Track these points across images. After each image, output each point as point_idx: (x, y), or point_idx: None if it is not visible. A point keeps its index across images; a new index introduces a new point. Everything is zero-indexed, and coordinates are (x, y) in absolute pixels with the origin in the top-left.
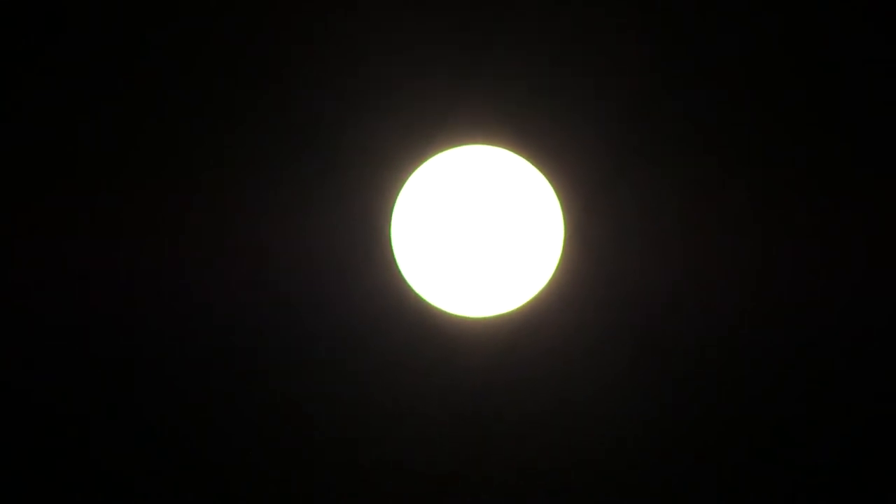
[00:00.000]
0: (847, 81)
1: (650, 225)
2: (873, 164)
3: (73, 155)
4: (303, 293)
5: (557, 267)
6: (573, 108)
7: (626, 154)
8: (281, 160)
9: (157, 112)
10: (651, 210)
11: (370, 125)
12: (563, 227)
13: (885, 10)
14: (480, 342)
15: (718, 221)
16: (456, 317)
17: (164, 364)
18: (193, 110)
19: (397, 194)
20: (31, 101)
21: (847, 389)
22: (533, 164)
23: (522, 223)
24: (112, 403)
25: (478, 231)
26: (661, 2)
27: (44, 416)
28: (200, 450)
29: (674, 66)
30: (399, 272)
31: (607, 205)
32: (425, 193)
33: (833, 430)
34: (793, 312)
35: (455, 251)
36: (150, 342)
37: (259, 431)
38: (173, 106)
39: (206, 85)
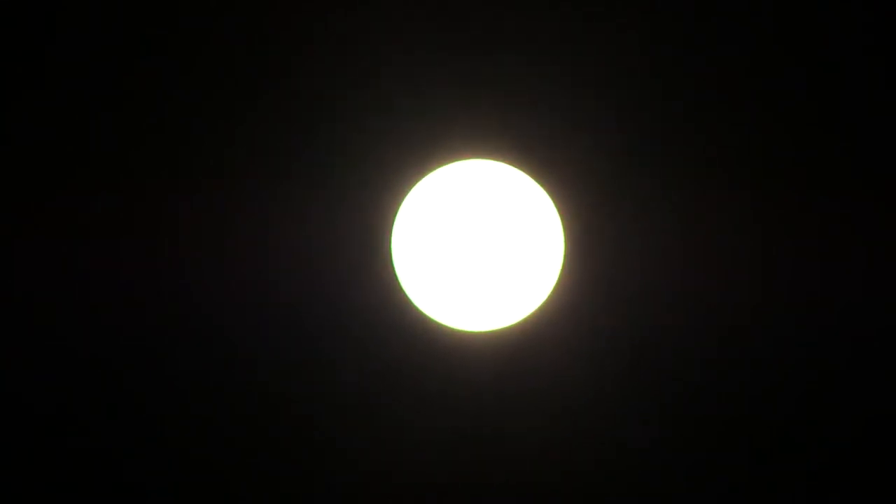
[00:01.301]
0: (847, 81)
1: (651, 238)
2: (873, 164)
3: (73, 155)
4: (303, 307)
5: (558, 281)
6: (573, 123)
7: (626, 168)
8: (281, 175)
9: (157, 112)
10: (651, 223)
11: (371, 139)
12: (563, 241)
13: (885, 10)
14: (481, 356)
15: (719, 234)
16: (456, 331)
17: (163, 364)
18: (193, 111)
19: (398, 208)
20: (31, 101)
21: (847, 389)
22: (533, 178)
23: (523, 237)
24: (112, 403)
25: (478, 245)
26: (660, 14)
27: (44, 416)
28: (200, 450)
29: (674, 80)
30: (399, 286)
31: (608, 218)
32: (426, 208)
33: (833, 430)
34: (793, 313)
35: (456, 265)
36: (149, 342)
37: (258, 435)
38: (173, 106)
39: (206, 85)
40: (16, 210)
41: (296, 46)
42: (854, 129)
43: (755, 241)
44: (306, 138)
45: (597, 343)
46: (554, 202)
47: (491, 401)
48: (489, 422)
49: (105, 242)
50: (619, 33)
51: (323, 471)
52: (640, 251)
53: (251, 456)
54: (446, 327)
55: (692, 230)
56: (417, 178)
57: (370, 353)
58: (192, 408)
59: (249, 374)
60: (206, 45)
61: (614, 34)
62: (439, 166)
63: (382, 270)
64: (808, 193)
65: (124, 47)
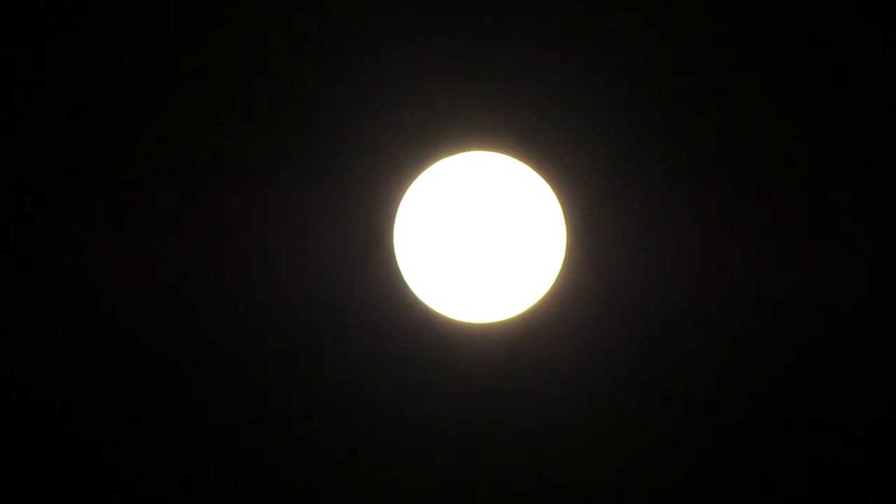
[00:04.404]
0: (847, 81)
1: (652, 231)
2: (874, 163)
3: (73, 155)
4: (305, 300)
5: (560, 273)
6: (576, 115)
7: (628, 161)
8: (282, 167)
9: (156, 112)
10: (653, 216)
11: (373, 131)
12: (565, 234)
13: (885, 10)
14: (483, 348)
15: (721, 226)
16: (458, 322)
17: (163, 364)
18: (194, 113)
19: (400, 200)
20: (32, 101)
21: (848, 389)
22: (536, 170)
23: (525, 229)
24: (112, 404)
25: (481, 237)
26: (662, 8)
27: (44, 414)
28: (200, 450)
29: (676, 72)
30: (402, 278)
31: (609, 211)
32: (428, 199)
33: (833, 430)
34: (795, 314)
35: (458, 257)
36: (149, 343)
37: (259, 434)
38: (173, 107)
39: (206, 87)
40: (16, 210)
41: (296, 44)
42: (855, 128)
43: (755, 229)
44: (308, 132)
45: (599, 334)
46: (556, 193)
47: (493, 392)
48: (491, 413)
49: (105, 242)
50: (621, 26)
51: (325, 464)
52: (641, 242)
53: (250, 450)
54: (449, 319)
55: (693, 222)
56: (419, 171)
57: (372, 344)
58: (192, 405)
59: (250, 369)
60: (205, 45)
61: (616, 26)
62: (441, 158)
63: (385, 262)
64: (809, 194)
65: (124, 48)
